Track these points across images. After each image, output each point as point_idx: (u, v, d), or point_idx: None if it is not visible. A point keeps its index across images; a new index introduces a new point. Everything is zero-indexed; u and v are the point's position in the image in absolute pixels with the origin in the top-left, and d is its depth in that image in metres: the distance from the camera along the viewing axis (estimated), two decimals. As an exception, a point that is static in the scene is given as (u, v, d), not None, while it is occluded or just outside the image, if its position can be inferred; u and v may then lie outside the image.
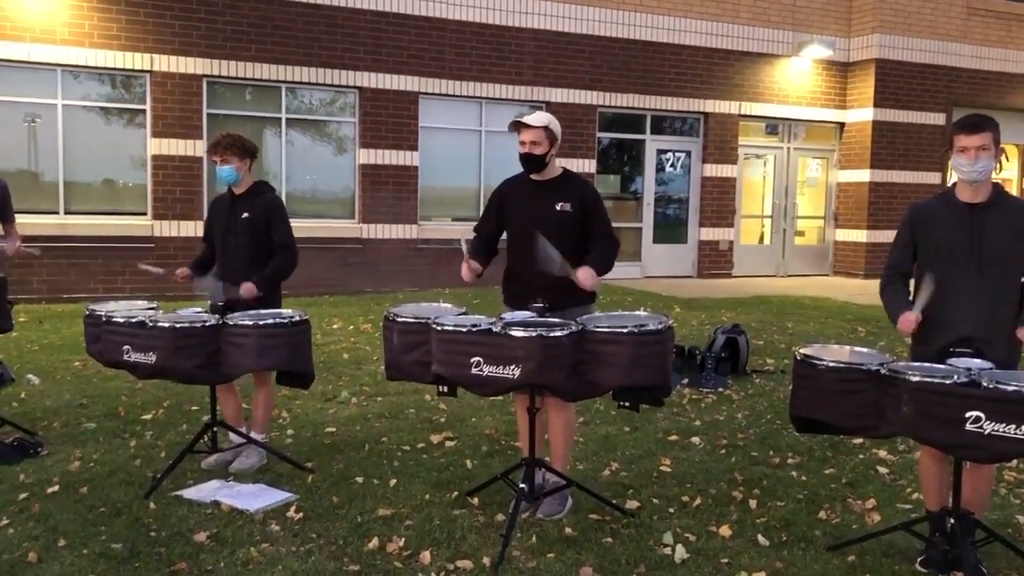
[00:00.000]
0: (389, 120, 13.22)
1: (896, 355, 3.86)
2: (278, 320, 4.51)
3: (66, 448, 5.20)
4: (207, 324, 4.46)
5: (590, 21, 14.40)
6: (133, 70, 11.73)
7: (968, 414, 3.22)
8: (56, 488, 4.51)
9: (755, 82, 15.80)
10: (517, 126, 4.25)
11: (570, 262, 4.12)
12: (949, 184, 3.87)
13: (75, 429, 5.62)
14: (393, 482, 4.66)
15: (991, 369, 3.38)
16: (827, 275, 16.94)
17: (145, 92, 11.89)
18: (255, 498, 4.37)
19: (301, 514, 4.18)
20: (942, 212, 3.73)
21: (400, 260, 13.26)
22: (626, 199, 15.37)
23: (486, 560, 3.70)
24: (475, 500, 4.38)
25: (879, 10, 15.95)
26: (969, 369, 3.36)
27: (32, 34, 11.10)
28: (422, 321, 4.07)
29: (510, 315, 4.02)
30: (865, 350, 3.92)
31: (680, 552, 3.81)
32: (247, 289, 4.75)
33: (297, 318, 4.58)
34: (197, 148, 11.98)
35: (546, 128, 4.22)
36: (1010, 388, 3.17)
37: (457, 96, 13.67)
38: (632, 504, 4.36)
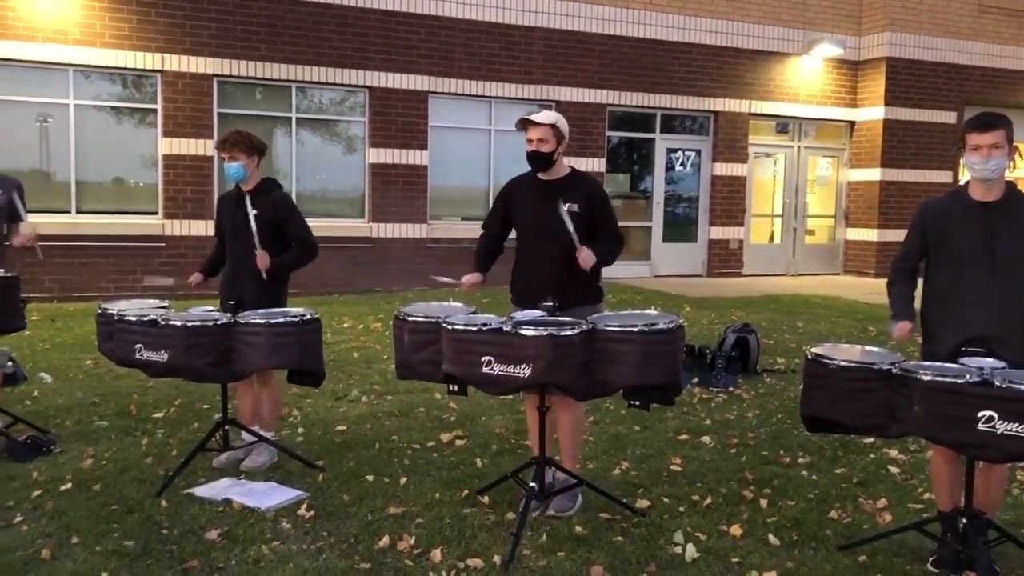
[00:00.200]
0: (399, 119, 13.24)
1: (907, 354, 3.85)
2: (289, 319, 4.52)
3: (79, 446, 5.23)
4: (218, 323, 4.48)
5: (600, 20, 14.38)
6: (144, 70, 11.78)
7: (980, 414, 3.21)
8: (69, 486, 4.53)
9: (765, 81, 15.76)
10: (524, 124, 4.26)
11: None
12: (962, 183, 3.86)
13: (87, 427, 5.65)
14: (403, 480, 4.67)
15: (1004, 368, 3.37)
16: (838, 274, 16.89)
17: (156, 92, 11.94)
18: (266, 496, 4.38)
19: (312, 512, 4.20)
20: (954, 210, 3.72)
21: (410, 259, 13.28)
22: (636, 198, 15.36)
23: (496, 558, 3.71)
24: (485, 499, 4.39)
25: (890, 8, 15.89)
26: (981, 368, 3.34)
27: (44, 34, 11.16)
28: (432, 320, 4.08)
29: (520, 314, 4.02)
30: (876, 349, 3.91)
31: (691, 551, 3.81)
32: (262, 258, 4.77)
33: (308, 316, 4.59)
34: (208, 147, 12.02)
35: (553, 126, 4.22)
36: (1023, 387, 3.15)
37: (467, 95, 13.68)
38: (642, 503, 4.36)
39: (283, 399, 5.77)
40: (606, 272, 4.44)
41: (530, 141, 4.24)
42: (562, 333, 3.69)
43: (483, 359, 3.81)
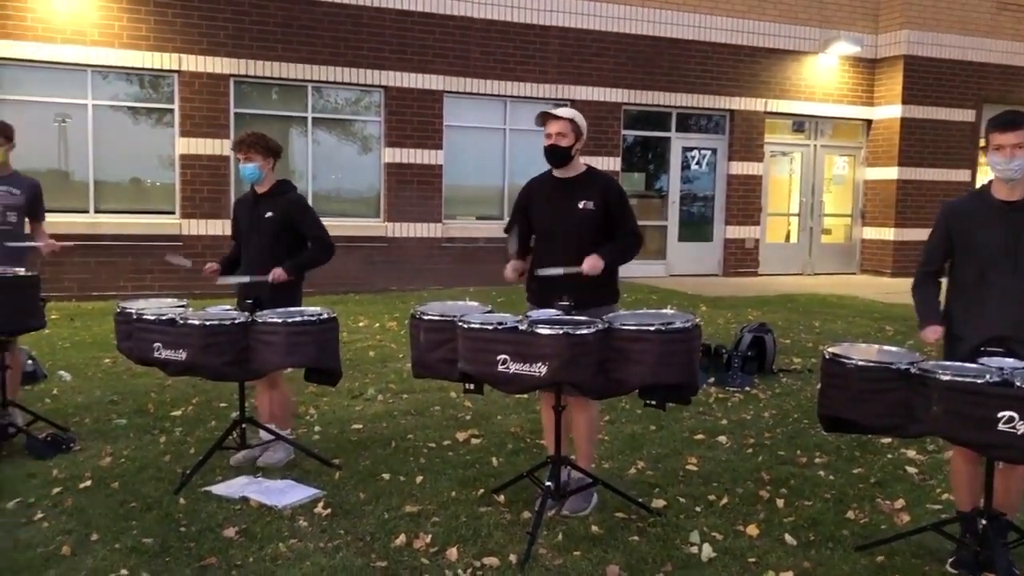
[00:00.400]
0: (414, 119, 13.27)
1: (925, 354, 3.82)
2: (306, 318, 4.54)
3: (97, 444, 5.27)
4: (236, 322, 4.50)
5: (615, 19, 14.36)
6: (161, 70, 11.85)
7: (1001, 414, 3.18)
8: (88, 483, 4.57)
9: (781, 79, 15.69)
10: (544, 118, 4.26)
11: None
12: (984, 182, 3.83)
13: (106, 425, 5.70)
14: (419, 479, 4.68)
15: (1024, 368, 3.34)
16: (854, 273, 16.80)
17: (173, 92, 12.01)
18: (283, 494, 4.40)
19: (328, 510, 4.22)
20: (977, 210, 3.70)
21: (425, 259, 13.31)
22: (651, 197, 15.32)
23: (512, 557, 3.71)
24: (501, 497, 4.39)
25: (907, 6, 15.78)
26: (1001, 368, 3.32)
27: (63, 35, 11.25)
28: (448, 319, 4.08)
29: (536, 313, 4.02)
30: (894, 349, 3.89)
31: (707, 551, 3.80)
32: (276, 275, 4.79)
33: (325, 316, 4.60)
34: (224, 147, 12.08)
35: (572, 121, 4.23)
36: (1043, 387, 3.13)
37: (482, 95, 13.69)
38: (658, 503, 4.35)
39: (296, 397, 5.79)
40: (621, 271, 4.44)
41: (548, 135, 4.24)
42: (578, 332, 3.69)
43: (499, 358, 3.82)
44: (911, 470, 4.95)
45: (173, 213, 12.12)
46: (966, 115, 16.38)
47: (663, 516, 4.19)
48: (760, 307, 11.47)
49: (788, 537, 3.97)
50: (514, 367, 3.78)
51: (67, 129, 11.66)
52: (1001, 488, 3.61)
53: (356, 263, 12.66)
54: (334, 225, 11.86)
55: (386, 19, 12.92)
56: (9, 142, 5.40)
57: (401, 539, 3.89)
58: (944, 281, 3.90)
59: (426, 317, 4.16)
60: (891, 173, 16.17)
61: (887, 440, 5.38)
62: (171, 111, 12.04)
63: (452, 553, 3.75)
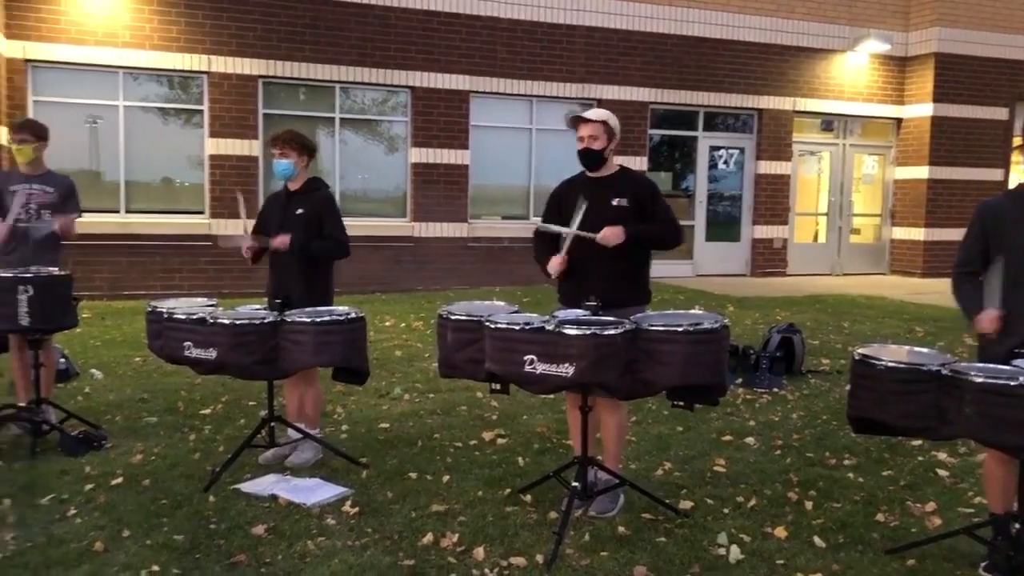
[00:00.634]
0: (440, 119, 13.30)
1: (957, 355, 3.77)
2: (334, 317, 4.57)
3: (129, 441, 5.34)
4: (266, 321, 4.54)
5: (642, 18, 14.32)
6: (191, 71, 11.98)
7: (1034, 416, 3.14)
8: (120, 480, 4.63)
9: (810, 78, 15.56)
10: (575, 121, 4.25)
11: (625, 263, 4.14)
12: (1021, 181, 3.78)
13: (137, 423, 5.76)
14: (446, 478, 4.70)
15: (1058, 371, 3.29)
16: (884, 274, 16.63)
17: (202, 93, 12.13)
18: (311, 492, 4.43)
19: (356, 509, 4.24)
20: (1011, 210, 3.65)
21: (450, 258, 13.34)
22: (678, 196, 15.25)
23: (539, 557, 3.71)
24: (528, 497, 4.40)
25: (939, 3, 15.60)
26: (1035, 370, 3.27)
27: (95, 38, 11.40)
28: (475, 319, 4.09)
29: (563, 313, 4.02)
30: (925, 350, 3.85)
31: (735, 552, 3.78)
32: (280, 240, 4.83)
33: (353, 315, 4.63)
34: (253, 148, 12.20)
35: (604, 123, 4.22)
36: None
37: (508, 95, 13.70)
38: (686, 504, 4.33)
39: (324, 396, 5.82)
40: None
41: (581, 139, 4.24)
42: (605, 332, 3.68)
43: (526, 358, 3.81)
44: (942, 473, 4.90)
45: (202, 213, 12.23)
46: (999, 113, 16.16)
47: (690, 517, 4.17)
48: (788, 307, 11.38)
49: (817, 539, 3.94)
50: (541, 367, 3.78)
51: (99, 130, 11.81)
52: (1035, 492, 3.56)
53: (382, 263, 12.73)
54: (361, 225, 11.94)
55: (413, 20, 12.97)
56: (40, 140, 5.48)
57: (428, 538, 3.90)
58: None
59: (453, 317, 4.17)
60: (921, 172, 15.98)
61: (917, 442, 5.32)
62: (200, 112, 12.16)
63: (479, 552, 3.76)
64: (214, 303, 4.93)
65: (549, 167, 13.56)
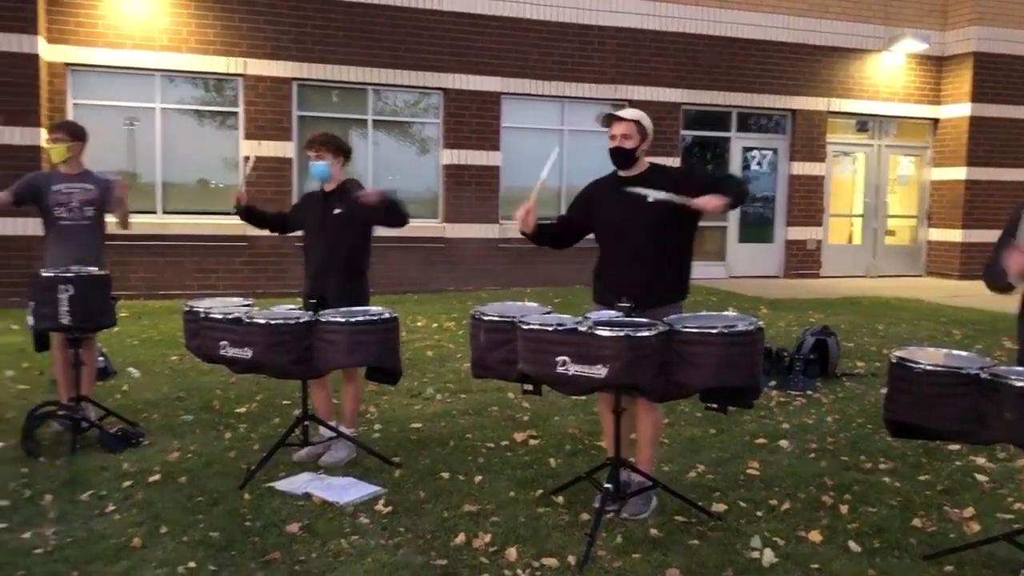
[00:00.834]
0: (472, 121, 13.34)
1: (996, 359, 3.72)
2: (368, 317, 4.60)
3: (165, 439, 5.41)
4: (301, 321, 4.58)
5: (673, 18, 14.26)
6: (227, 74, 12.12)
7: (1076, 422, 3.09)
8: (157, 477, 4.69)
9: (844, 78, 15.41)
10: (609, 119, 4.25)
11: (666, 258, 4.14)
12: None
13: (173, 421, 5.84)
14: (478, 479, 4.71)
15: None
16: (920, 276, 16.41)
17: (237, 95, 12.26)
18: (345, 491, 4.46)
19: (389, 508, 4.27)
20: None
21: (481, 259, 13.36)
22: (710, 198, 15.13)
23: (571, 559, 3.71)
24: (559, 499, 4.40)
25: (978, 2, 15.36)
26: (1077, 375, 3.22)
27: (133, 41, 11.57)
28: (508, 320, 4.10)
29: (596, 314, 4.01)
30: (963, 353, 3.80)
31: (768, 556, 3.75)
32: (370, 193, 4.92)
33: (387, 315, 4.66)
34: (287, 149, 12.31)
35: (638, 123, 4.21)
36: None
37: (539, 96, 13.71)
38: (719, 507, 4.31)
39: (361, 396, 5.86)
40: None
41: (613, 137, 4.23)
42: (639, 334, 3.67)
43: (558, 359, 3.81)
44: (981, 478, 4.82)
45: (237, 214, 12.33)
46: (1039, 113, 15.90)
47: (723, 520, 4.15)
48: (822, 309, 11.28)
49: (852, 544, 3.90)
50: (574, 368, 3.78)
51: (136, 132, 11.99)
52: (1077, 498, 3.50)
53: (414, 263, 12.78)
54: (394, 226, 11.81)
55: (445, 22, 13.02)
56: (75, 140, 5.58)
57: (460, 538, 3.92)
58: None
59: (486, 318, 4.18)
60: (959, 173, 15.76)
61: (955, 447, 5.25)
62: (235, 114, 12.30)
63: (511, 553, 3.77)
64: (250, 303, 4.98)
65: (580, 168, 13.50)
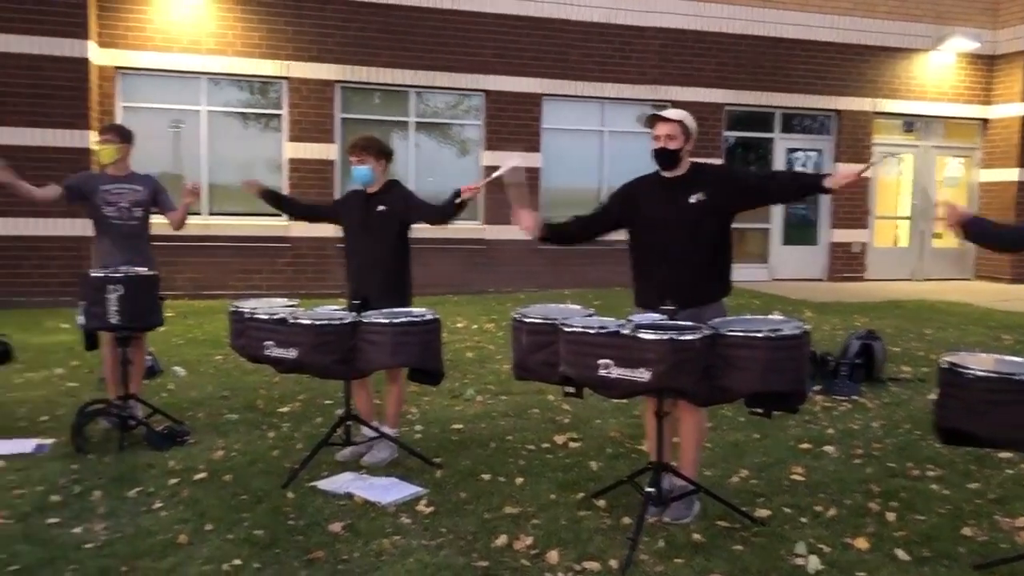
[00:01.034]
0: (512, 122, 13.35)
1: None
2: (411, 319, 4.62)
3: (210, 437, 5.48)
4: (345, 322, 4.62)
5: (716, 18, 14.15)
6: (271, 76, 12.26)
7: None
8: (203, 475, 4.76)
9: (890, 78, 15.17)
10: (653, 120, 4.22)
11: (707, 256, 4.14)
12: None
13: (218, 420, 5.92)
14: (519, 480, 4.70)
15: None
16: (968, 279, 16.09)
17: (281, 97, 12.40)
18: (387, 491, 4.49)
19: (431, 508, 4.28)
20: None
21: (521, 261, 13.36)
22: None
23: (613, 562, 3.69)
24: (601, 502, 4.38)
25: (1029, -1, 15.04)
26: None
27: (180, 45, 11.76)
28: (550, 322, 4.09)
29: (639, 317, 3.99)
30: (1016, 359, 3.71)
31: (814, 563, 3.70)
32: (470, 188, 5.18)
33: (429, 317, 4.68)
34: (331, 152, 12.43)
35: (682, 123, 4.17)
36: None
37: (580, 97, 13.68)
38: (762, 512, 4.26)
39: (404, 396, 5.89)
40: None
41: (657, 138, 4.20)
42: (683, 337, 3.64)
43: (601, 362, 3.80)
44: (1033, 487, 4.72)
45: (281, 216, 12.48)
46: (1094, 113, 15.50)
47: (767, 526, 4.10)
48: (868, 313, 11.10)
49: (900, 552, 3.83)
50: (616, 372, 3.76)
51: (182, 134, 12.18)
52: None
53: (455, 265, 12.82)
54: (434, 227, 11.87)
55: (486, 23, 13.05)
56: (124, 142, 5.72)
57: (502, 539, 3.92)
58: None
59: (528, 320, 4.18)
60: (1011, 175, 15.42)
61: (1006, 455, 5.13)
62: (279, 116, 12.44)
63: (552, 556, 3.76)
64: (295, 303, 5.04)
65: (620, 169, 13.45)
